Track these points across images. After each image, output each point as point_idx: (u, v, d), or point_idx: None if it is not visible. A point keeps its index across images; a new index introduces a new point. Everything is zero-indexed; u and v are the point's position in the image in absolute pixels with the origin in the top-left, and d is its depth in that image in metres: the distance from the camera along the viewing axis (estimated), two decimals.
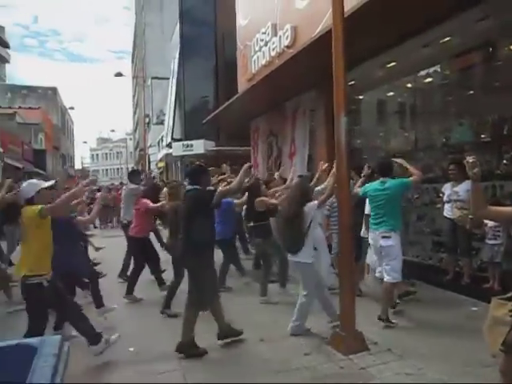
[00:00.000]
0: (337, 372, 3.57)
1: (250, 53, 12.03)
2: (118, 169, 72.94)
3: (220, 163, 14.70)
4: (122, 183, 24.18)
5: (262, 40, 11.10)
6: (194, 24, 22.22)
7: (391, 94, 9.06)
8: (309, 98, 10.01)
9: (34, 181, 3.96)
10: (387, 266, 4.65)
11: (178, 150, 21.75)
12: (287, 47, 9.61)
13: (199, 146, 20.21)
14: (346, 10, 4.44)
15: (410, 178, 4.77)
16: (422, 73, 7.81)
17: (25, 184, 3.87)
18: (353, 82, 8.33)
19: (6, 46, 31.18)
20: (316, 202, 4.44)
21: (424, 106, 8.08)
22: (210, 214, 4.28)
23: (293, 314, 4.51)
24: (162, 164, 30.67)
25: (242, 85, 12.72)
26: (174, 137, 22.98)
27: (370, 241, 4.97)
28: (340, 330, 4.12)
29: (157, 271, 6.47)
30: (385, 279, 4.66)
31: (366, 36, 6.30)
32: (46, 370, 1.09)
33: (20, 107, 34.22)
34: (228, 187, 4.48)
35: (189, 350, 4.05)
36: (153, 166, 33.90)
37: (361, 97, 9.57)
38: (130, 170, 9.24)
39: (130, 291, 6.12)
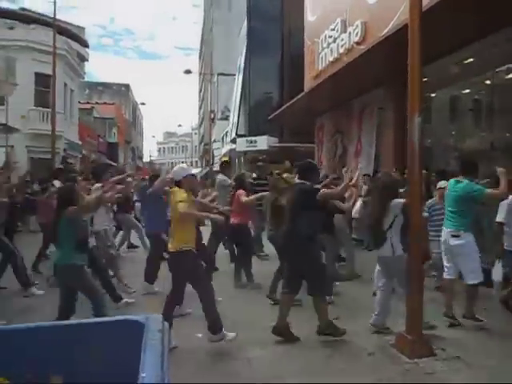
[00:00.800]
0: (402, 374, 3.55)
1: (317, 49, 11.98)
2: (183, 162, 75.47)
3: (282, 159, 14.81)
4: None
5: (330, 36, 11.01)
6: (262, 20, 22.44)
7: (467, 91, 8.64)
8: (377, 95, 9.81)
9: (184, 166, 4.52)
10: (464, 267, 4.53)
11: (241, 145, 22.16)
12: (357, 43, 9.48)
13: (263, 142, 20.46)
14: (423, 3, 4.32)
15: (487, 191, 4.53)
16: (502, 68, 7.37)
17: (176, 168, 4.38)
18: (425, 79, 8.04)
19: (85, 45, 33.36)
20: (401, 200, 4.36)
21: (503, 103, 7.62)
22: (316, 207, 4.34)
23: (373, 308, 4.50)
24: (225, 158, 31.31)
25: (308, 82, 12.70)
26: (238, 132, 23.41)
27: (440, 238, 4.86)
28: (406, 332, 4.07)
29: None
30: (467, 282, 4.54)
31: (444, 31, 6.08)
32: (156, 344, 1.25)
33: (97, 103, 36.61)
34: (331, 191, 4.63)
35: (285, 333, 4.23)
36: (216, 160, 34.76)
37: (433, 94, 9.21)
38: (221, 161, 9.84)
39: (250, 279, 6.23)
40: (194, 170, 4.41)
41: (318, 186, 4.49)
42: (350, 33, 9.82)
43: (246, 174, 8.22)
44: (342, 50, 10.26)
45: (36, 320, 2.08)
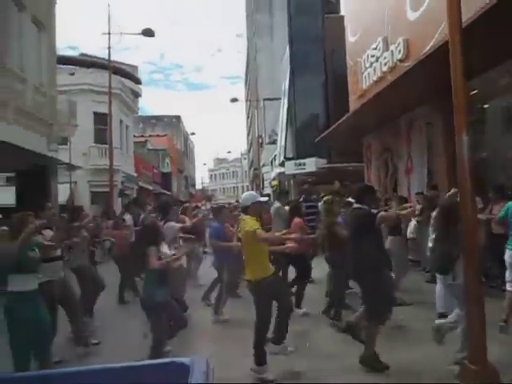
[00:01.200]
0: None
1: (360, 69, 11.95)
2: (234, 187, 76.96)
3: (332, 180, 14.72)
4: (237, 201, 25.66)
5: (372, 56, 10.97)
6: (303, 43, 22.72)
7: None
8: (424, 111, 9.57)
9: (253, 192, 4.66)
10: None
11: (290, 168, 22.24)
12: (400, 61, 9.37)
13: (311, 164, 20.42)
14: (463, 19, 4.23)
15: None
16: None
17: (245, 194, 4.51)
18: (475, 92, 7.77)
19: (138, 82, 35.54)
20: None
21: None
22: (374, 233, 4.31)
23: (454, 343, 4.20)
24: (275, 182, 31.55)
25: (353, 102, 12.65)
26: (287, 156, 23.54)
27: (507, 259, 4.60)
28: (469, 362, 3.84)
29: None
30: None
31: (488, 43, 5.88)
32: None
33: (150, 135, 38.45)
34: (387, 214, 4.54)
35: (372, 363, 4.16)
36: (266, 184, 35.04)
37: (486, 106, 8.84)
38: (278, 191, 10.16)
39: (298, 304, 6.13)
40: (263, 198, 4.42)
41: (375, 211, 4.39)
42: (392, 51, 9.74)
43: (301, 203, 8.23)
44: (385, 69, 10.18)
45: None
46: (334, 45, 18.53)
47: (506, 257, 4.58)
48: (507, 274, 4.62)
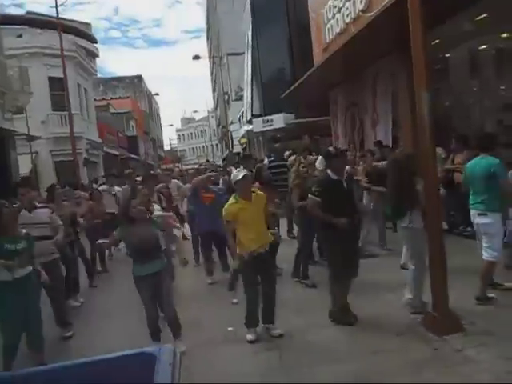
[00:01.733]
0: (430, 354, 3.56)
1: (323, 21, 11.66)
2: (203, 147, 76.05)
3: (301, 135, 14.63)
4: (207, 160, 25.32)
5: (334, 6, 10.68)
6: None
7: (484, 47, 8.26)
8: (389, 61, 9.51)
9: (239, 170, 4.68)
10: (485, 244, 4.42)
11: (258, 125, 22.01)
12: (363, 11, 9.16)
13: (279, 121, 20.25)
14: None
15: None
16: None
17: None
18: (437, 41, 7.75)
19: (94, 41, 33.44)
20: None
21: None
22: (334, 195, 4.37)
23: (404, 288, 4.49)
24: (244, 140, 31.32)
25: (318, 55, 12.43)
26: (254, 113, 23.22)
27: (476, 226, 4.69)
28: (432, 309, 4.06)
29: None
30: (484, 257, 4.45)
31: None
32: (166, 375, 1.31)
33: (112, 98, 36.97)
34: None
35: (338, 317, 4.38)
36: (236, 142, 34.75)
37: (447, 55, 8.86)
38: (241, 155, 9.93)
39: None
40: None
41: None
42: (354, 1, 9.49)
43: (264, 166, 8.01)
44: (348, 20, 9.95)
45: None
46: None
47: (474, 221, 4.66)
48: (483, 241, 4.59)
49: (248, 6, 24.38)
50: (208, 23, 53.11)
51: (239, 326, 4.38)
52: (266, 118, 21.21)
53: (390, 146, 8.75)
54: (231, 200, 4.35)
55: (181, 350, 4.07)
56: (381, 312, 4.50)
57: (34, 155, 18.89)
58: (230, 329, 4.52)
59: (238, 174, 4.36)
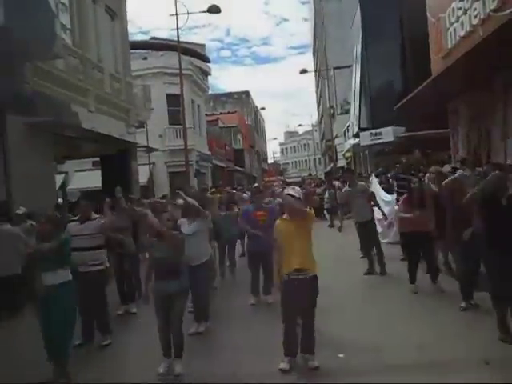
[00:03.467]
0: None
1: (444, 25, 10.77)
2: (305, 160, 76.12)
3: (409, 149, 13.68)
4: (310, 174, 25.19)
5: (459, 8, 9.78)
6: (375, 5, 21.14)
7: None
8: None
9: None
10: None
11: (365, 139, 21.24)
12: (494, 11, 8.22)
13: (388, 134, 19.29)
14: None
15: None
16: None
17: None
18: None
19: (207, 61, 35.76)
20: None
21: None
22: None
23: None
24: (348, 154, 30.55)
25: (436, 63, 11.53)
26: (361, 126, 22.48)
27: None
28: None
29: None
30: None
31: None
32: None
33: (221, 113, 38.91)
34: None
35: None
36: (340, 156, 34.05)
37: None
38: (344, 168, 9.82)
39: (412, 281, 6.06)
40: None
41: None
42: (484, 0, 8.58)
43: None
44: (475, 22, 9.01)
45: None
46: (411, 3, 17.01)
47: None
48: None
49: (357, 19, 23.88)
50: (315, 38, 53.37)
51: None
52: (374, 131, 20.38)
53: None
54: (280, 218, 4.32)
55: (176, 372, 4.07)
56: None
57: (151, 166, 20.55)
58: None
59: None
